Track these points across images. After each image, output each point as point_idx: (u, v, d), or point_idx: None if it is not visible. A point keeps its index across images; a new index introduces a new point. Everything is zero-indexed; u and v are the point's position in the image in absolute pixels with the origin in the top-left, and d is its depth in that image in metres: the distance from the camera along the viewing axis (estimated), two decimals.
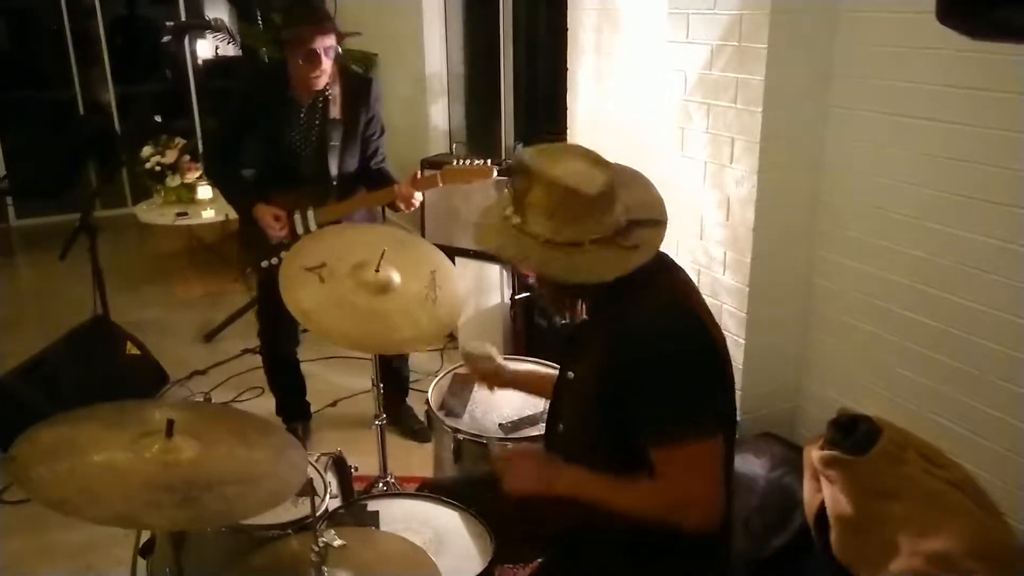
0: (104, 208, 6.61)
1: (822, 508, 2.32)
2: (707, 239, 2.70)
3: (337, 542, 1.36)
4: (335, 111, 3.00)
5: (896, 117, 2.24)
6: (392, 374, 3.28)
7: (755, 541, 2.35)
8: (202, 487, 1.29)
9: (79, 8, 6.72)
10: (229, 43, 6.80)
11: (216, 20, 6.23)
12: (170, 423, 1.35)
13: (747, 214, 2.50)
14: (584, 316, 1.75)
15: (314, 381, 3.67)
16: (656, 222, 1.62)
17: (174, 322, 4.73)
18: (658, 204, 1.65)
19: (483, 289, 4.07)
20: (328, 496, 1.85)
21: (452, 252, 4.05)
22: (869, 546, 2.21)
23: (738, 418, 1.71)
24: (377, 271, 2.26)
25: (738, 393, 2.65)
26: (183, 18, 6.92)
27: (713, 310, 2.67)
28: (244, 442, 1.45)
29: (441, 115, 5.16)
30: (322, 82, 2.91)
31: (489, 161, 2.90)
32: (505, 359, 2.18)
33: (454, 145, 4.96)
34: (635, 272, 1.55)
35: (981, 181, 2.05)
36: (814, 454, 2.37)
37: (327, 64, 2.87)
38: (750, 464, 2.55)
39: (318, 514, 1.76)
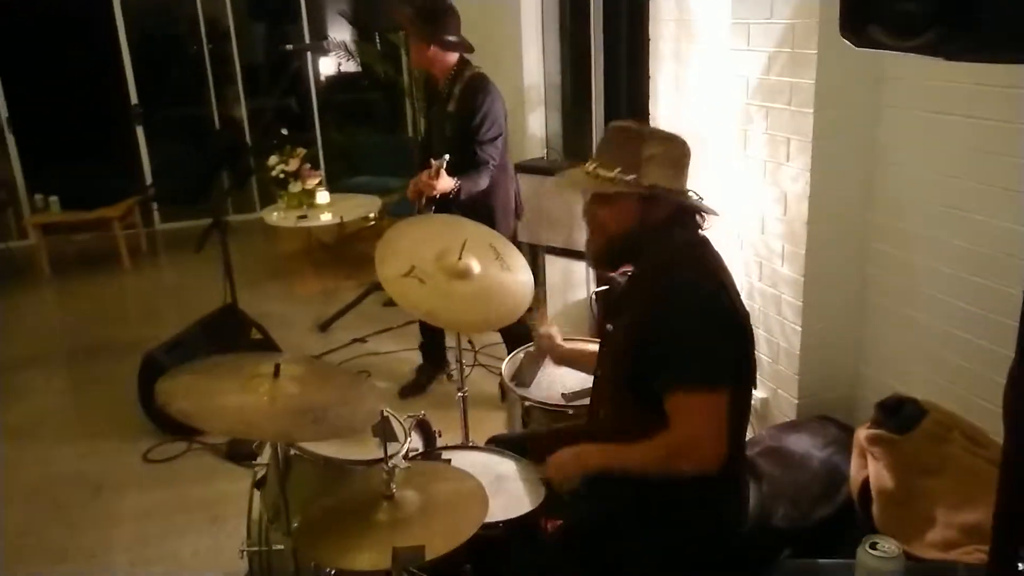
0: (236, 213, 7.28)
1: (866, 483, 2.47)
2: (767, 233, 2.88)
3: (403, 465, 1.67)
4: (452, 106, 3.53)
5: (940, 115, 2.38)
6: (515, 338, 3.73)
7: (801, 511, 2.51)
8: (323, 409, 1.65)
9: (216, 31, 7.43)
10: (349, 60, 7.38)
11: (332, 41, 6.75)
12: (277, 367, 1.71)
13: (802, 209, 2.68)
14: (626, 279, 2.03)
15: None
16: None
17: (293, 314, 5.22)
18: None
19: (570, 284, 4.35)
20: (408, 444, 2.16)
21: (542, 250, 4.37)
22: (908, 518, 2.35)
23: (756, 389, 1.94)
24: (460, 259, 2.58)
25: (796, 378, 2.86)
26: (307, 39, 7.53)
27: (772, 300, 2.89)
28: (327, 378, 1.82)
29: (538, 123, 5.47)
30: (434, 70, 3.60)
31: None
32: (568, 339, 2.49)
33: (547, 151, 5.27)
34: (678, 247, 1.82)
35: (1016, 173, 2.17)
36: (861, 433, 2.53)
37: (414, 56, 3.59)
38: (804, 444, 2.71)
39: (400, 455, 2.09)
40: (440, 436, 2.57)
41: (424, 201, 3.46)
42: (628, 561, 1.83)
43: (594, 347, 2.65)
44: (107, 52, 7.00)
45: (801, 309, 2.76)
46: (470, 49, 3.61)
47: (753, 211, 2.93)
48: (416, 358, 4.25)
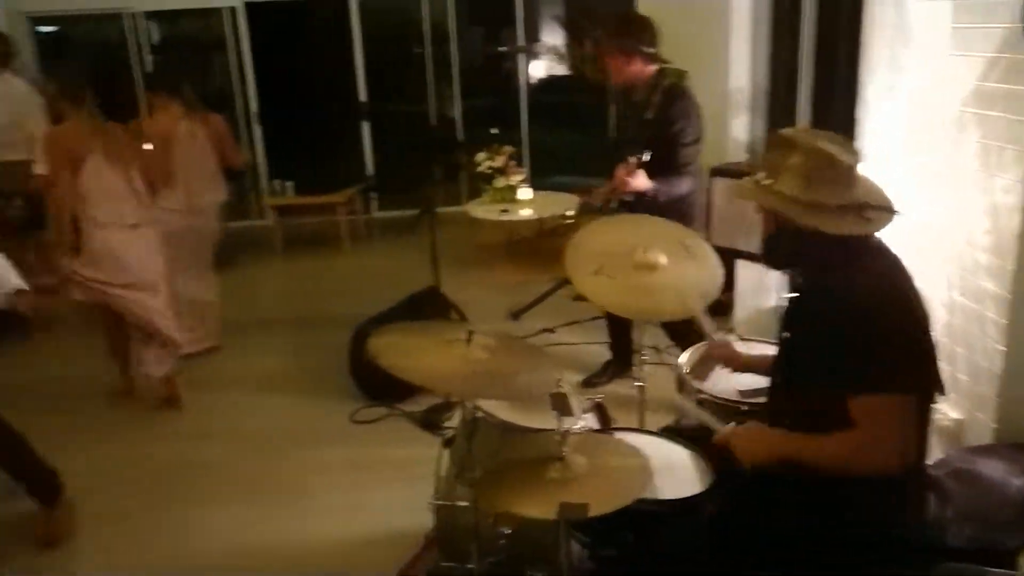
0: (444, 205, 7.75)
1: None
2: (973, 246, 2.76)
3: (578, 427, 1.81)
4: (650, 113, 3.65)
5: None
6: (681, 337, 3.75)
7: (990, 537, 2.39)
8: (508, 375, 1.84)
9: (438, 34, 7.95)
10: (559, 64, 7.66)
11: (544, 45, 7.04)
12: (470, 333, 1.91)
13: (1013, 222, 2.54)
14: (796, 282, 2.05)
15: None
16: (888, 209, 1.88)
17: (488, 301, 5.51)
18: (889, 200, 1.92)
19: (762, 290, 4.32)
20: (582, 419, 2.30)
21: (735, 255, 4.36)
22: None
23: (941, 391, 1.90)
24: (646, 253, 2.68)
25: (995, 400, 2.71)
26: (519, 42, 7.88)
27: (974, 316, 2.78)
28: (514, 350, 2.00)
29: (741, 128, 5.43)
30: (635, 82, 3.70)
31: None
32: (748, 340, 2.53)
33: (748, 156, 5.23)
34: (852, 250, 1.83)
35: None
36: None
37: (615, 71, 3.69)
38: (999, 469, 2.58)
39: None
40: (615, 422, 2.70)
41: (616, 203, 3.60)
42: (779, 554, 1.88)
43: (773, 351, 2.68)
44: (343, 53, 7.71)
45: (1006, 328, 2.62)
46: (663, 60, 3.72)
47: (959, 222, 2.81)
48: (601, 352, 4.38)
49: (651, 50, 3.67)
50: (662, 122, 3.61)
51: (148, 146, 4.55)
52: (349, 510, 3.30)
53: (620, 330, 4.17)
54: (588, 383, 4.16)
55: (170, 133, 4.60)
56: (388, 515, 3.21)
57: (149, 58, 7.63)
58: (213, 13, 7.69)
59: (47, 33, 7.92)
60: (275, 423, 4.09)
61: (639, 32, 3.67)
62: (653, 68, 3.70)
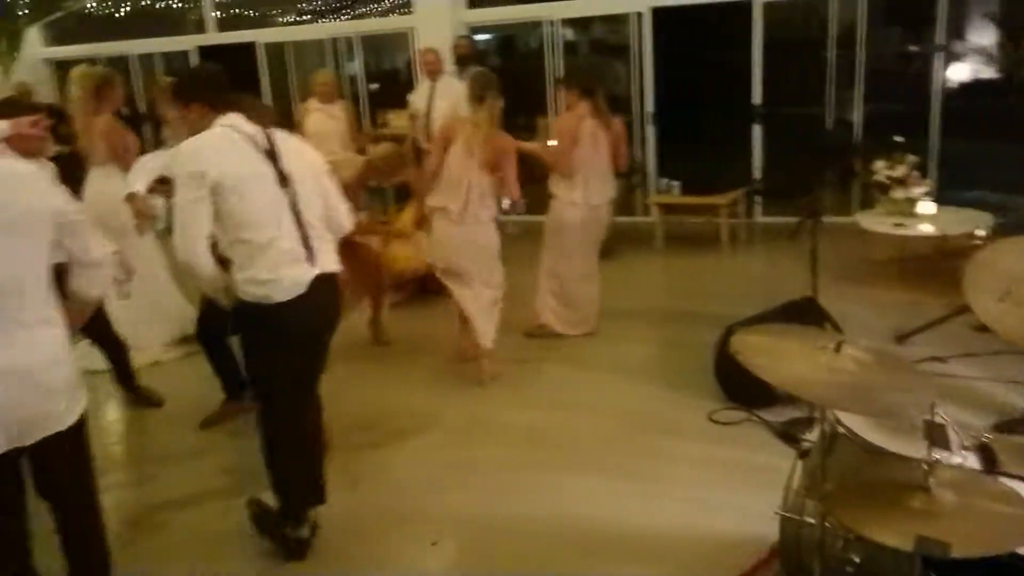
0: (832, 214, 7.36)
1: None
2: None
3: (955, 460, 1.67)
4: None
5: None
6: None
7: None
8: (876, 390, 1.79)
9: (845, 36, 7.51)
10: (988, 67, 6.83)
11: (965, 44, 6.33)
12: (839, 343, 1.86)
13: None
14: None
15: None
16: None
17: (870, 319, 5.15)
18: None
19: None
20: (960, 456, 2.10)
21: None
22: None
23: None
24: None
25: None
26: (938, 42, 7.16)
27: None
28: (889, 366, 1.89)
29: None
30: None
31: None
32: None
33: None
34: None
35: None
36: None
37: None
38: None
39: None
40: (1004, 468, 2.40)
41: None
42: None
43: None
44: (740, 56, 7.68)
45: None
46: None
47: None
48: (1000, 393, 3.89)
49: None
50: None
51: (552, 142, 5.00)
52: (694, 504, 3.35)
53: None
54: (1001, 428, 3.63)
55: (573, 131, 4.94)
56: (732, 517, 3.20)
57: (561, 61, 8.31)
58: (621, 19, 8.17)
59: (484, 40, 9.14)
60: (635, 408, 4.28)
61: None
62: None
